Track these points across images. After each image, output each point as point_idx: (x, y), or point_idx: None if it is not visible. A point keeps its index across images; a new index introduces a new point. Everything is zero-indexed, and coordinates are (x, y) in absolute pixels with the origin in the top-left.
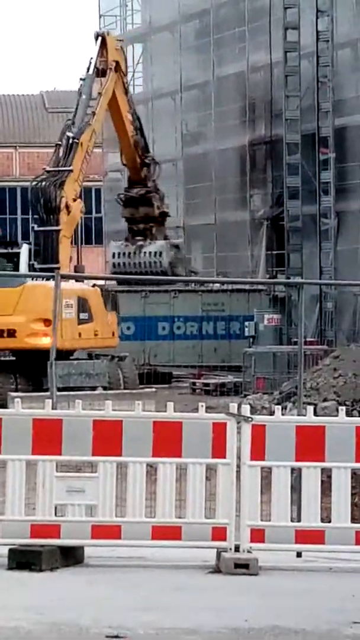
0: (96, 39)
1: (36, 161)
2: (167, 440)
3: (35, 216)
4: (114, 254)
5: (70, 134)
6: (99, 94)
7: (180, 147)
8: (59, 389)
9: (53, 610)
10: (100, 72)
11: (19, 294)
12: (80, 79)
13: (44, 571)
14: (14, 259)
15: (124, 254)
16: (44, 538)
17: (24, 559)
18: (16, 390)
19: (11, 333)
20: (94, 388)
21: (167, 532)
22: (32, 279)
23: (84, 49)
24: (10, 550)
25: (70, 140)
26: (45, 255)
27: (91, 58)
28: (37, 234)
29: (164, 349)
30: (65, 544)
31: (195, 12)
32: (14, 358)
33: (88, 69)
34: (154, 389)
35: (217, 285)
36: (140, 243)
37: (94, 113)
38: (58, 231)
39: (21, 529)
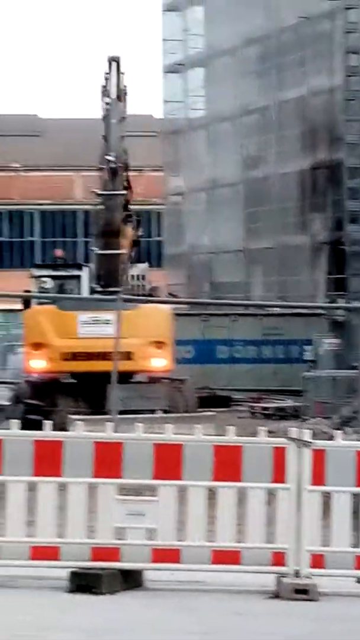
0: (110, 63)
1: (97, 185)
2: (228, 464)
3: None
4: None
5: (111, 158)
6: (123, 117)
7: (240, 171)
8: (119, 412)
9: (113, 633)
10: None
11: (135, 316)
12: (107, 104)
13: (104, 594)
14: (75, 282)
15: None
16: (104, 561)
17: (84, 582)
18: (76, 413)
19: (128, 356)
20: (153, 411)
21: (226, 557)
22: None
23: (147, 73)
24: (71, 572)
25: (114, 165)
26: (107, 278)
27: (106, 81)
28: (98, 257)
29: (223, 373)
30: (126, 567)
31: (257, 36)
32: (74, 381)
33: (106, 93)
34: (213, 413)
35: (277, 309)
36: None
37: (122, 137)
38: (118, 255)
39: (82, 552)
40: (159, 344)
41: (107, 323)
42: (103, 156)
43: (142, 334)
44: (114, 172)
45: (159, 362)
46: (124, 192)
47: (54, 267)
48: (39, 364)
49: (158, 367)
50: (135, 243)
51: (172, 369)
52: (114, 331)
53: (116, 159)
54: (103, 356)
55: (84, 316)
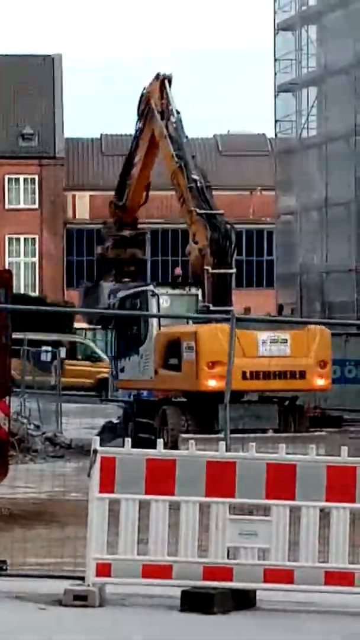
0: (163, 80)
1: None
2: (341, 484)
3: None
4: (109, 295)
5: (196, 177)
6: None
7: (353, 190)
8: (230, 431)
9: None
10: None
11: (304, 336)
12: (173, 123)
13: (216, 614)
14: (191, 299)
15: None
16: (216, 580)
17: (196, 601)
18: (187, 432)
19: (302, 374)
20: (264, 430)
21: (339, 578)
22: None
23: (258, 92)
24: (182, 592)
25: (200, 184)
26: (220, 297)
27: (149, 99)
28: (212, 276)
29: (335, 393)
30: (238, 587)
31: None
32: (185, 399)
33: (161, 112)
34: (324, 433)
35: None
36: (130, 284)
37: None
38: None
39: (194, 571)
40: (323, 363)
41: (284, 342)
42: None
43: (311, 353)
44: (200, 191)
45: (324, 381)
46: (221, 211)
47: (173, 285)
48: (216, 382)
49: (323, 386)
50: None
51: (331, 389)
52: (288, 350)
53: (201, 178)
54: (281, 375)
55: (264, 335)
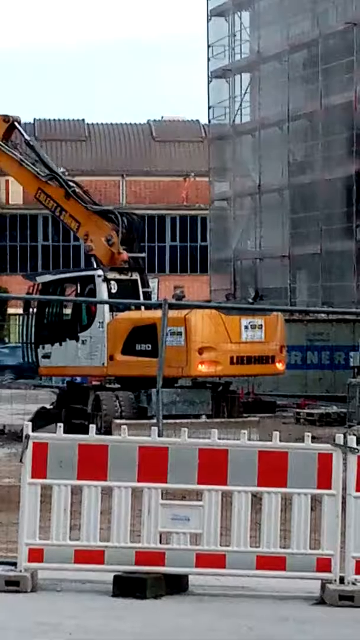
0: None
1: (143, 190)
2: (273, 469)
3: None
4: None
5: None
6: None
7: (286, 176)
8: (163, 417)
9: (158, 637)
10: None
11: (271, 322)
12: None
13: (148, 599)
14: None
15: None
16: (149, 565)
17: (129, 586)
18: (120, 417)
19: (272, 359)
20: (198, 416)
21: (271, 562)
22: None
23: (192, 78)
24: (115, 577)
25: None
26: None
27: None
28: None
29: (268, 378)
30: (170, 571)
31: (304, 42)
32: (119, 385)
33: None
34: (257, 418)
35: (322, 315)
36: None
37: None
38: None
39: (126, 556)
40: (282, 348)
41: (260, 328)
42: None
43: (277, 338)
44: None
45: (281, 365)
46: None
47: (120, 270)
48: (207, 368)
49: (282, 370)
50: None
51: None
52: (263, 336)
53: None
54: (257, 360)
55: (245, 321)
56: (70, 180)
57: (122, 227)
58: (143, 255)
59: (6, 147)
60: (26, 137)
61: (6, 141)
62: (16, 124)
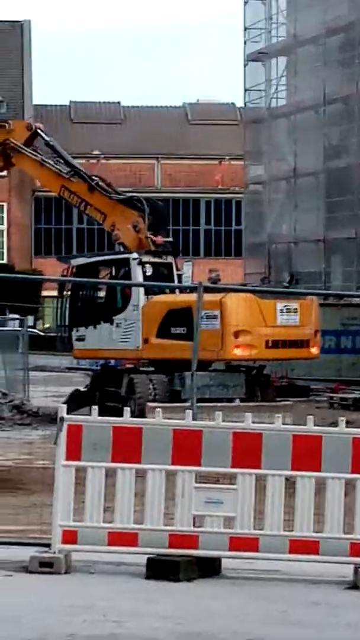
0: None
1: (177, 173)
2: (307, 454)
3: None
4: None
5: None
6: None
7: (322, 160)
8: (197, 400)
9: (190, 620)
10: None
11: (307, 306)
12: None
13: (181, 581)
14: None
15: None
16: (182, 548)
17: (161, 569)
18: (154, 400)
19: (307, 343)
20: (231, 400)
21: (304, 547)
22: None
23: (228, 61)
24: (148, 559)
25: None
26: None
27: None
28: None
29: (302, 362)
30: (203, 554)
31: (340, 25)
32: (152, 368)
33: None
34: (291, 402)
35: (357, 299)
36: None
37: None
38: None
39: (160, 539)
40: (317, 332)
41: (295, 312)
42: None
43: (312, 322)
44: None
45: (316, 349)
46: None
47: (154, 253)
48: (242, 351)
49: (316, 355)
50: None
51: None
52: (298, 320)
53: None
54: (292, 344)
55: (280, 304)
56: (93, 175)
57: (147, 212)
58: (171, 239)
59: (27, 149)
60: (46, 138)
61: (27, 146)
62: (39, 131)
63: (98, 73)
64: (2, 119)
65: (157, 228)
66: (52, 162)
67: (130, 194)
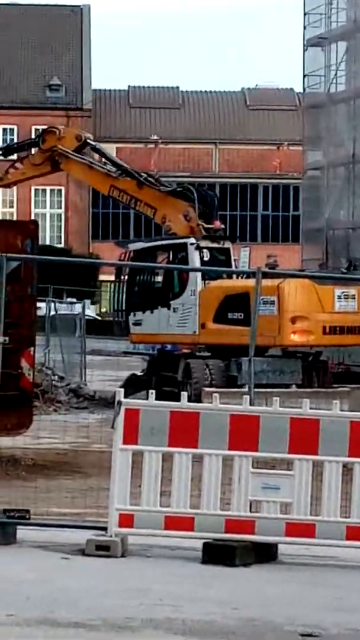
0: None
1: (235, 158)
2: None
3: None
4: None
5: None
6: None
7: None
8: (254, 386)
9: (247, 605)
10: None
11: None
12: None
13: (237, 567)
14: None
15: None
16: (238, 533)
17: (218, 554)
18: (210, 385)
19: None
20: (288, 385)
21: None
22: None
23: (286, 47)
24: (204, 544)
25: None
26: None
27: None
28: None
29: (359, 349)
30: (260, 540)
31: None
32: (209, 353)
33: None
34: (348, 389)
35: None
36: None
37: None
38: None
39: (216, 524)
40: None
41: (353, 298)
42: None
43: None
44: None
45: None
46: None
47: (212, 238)
48: (299, 337)
49: None
50: None
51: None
52: (356, 306)
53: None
54: (350, 330)
55: (338, 290)
56: (140, 171)
57: (197, 201)
58: (223, 226)
59: (75, 154)
60: (93, 144)
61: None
62: (88, 140)
63: (156, 57)
64: (52, 126)
65: (208, 216)
66: (100, 165)
67: (179, 184)
